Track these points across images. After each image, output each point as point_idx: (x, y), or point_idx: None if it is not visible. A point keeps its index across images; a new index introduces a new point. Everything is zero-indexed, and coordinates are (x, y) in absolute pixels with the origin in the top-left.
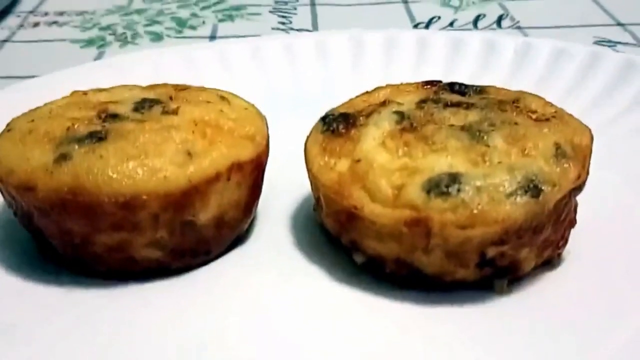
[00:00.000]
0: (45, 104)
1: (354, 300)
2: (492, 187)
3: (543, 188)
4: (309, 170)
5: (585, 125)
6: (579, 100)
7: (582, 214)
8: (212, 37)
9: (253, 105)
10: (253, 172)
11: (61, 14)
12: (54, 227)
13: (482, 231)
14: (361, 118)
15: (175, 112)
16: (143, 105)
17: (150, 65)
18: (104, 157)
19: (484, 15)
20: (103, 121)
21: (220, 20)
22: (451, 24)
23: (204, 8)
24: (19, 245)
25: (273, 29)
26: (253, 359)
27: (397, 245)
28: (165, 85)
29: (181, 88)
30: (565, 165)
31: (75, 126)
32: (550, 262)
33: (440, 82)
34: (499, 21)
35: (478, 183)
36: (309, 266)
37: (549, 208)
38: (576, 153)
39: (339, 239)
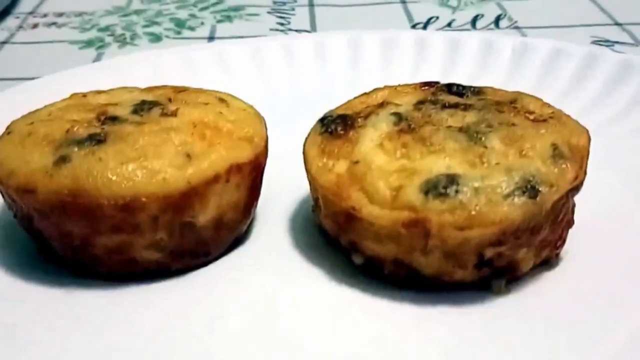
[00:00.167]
0: (45, 106)
1: (352, 300)
2: (490, 188)
3: (540, 189)
4: (307, 171)
5: (583, 126)
6: (576, 101)
7: (580, 214)
8: (211, 38)
9: (252, 107)
10: (252, 174)
11: (60, 15)
12: (53, 229)
13: (480, 232)
14: (359, 119)
15: (174, 114)
16: (142, 108)
17: (149, 67)
18: (103, 160)
19: (482, 16)
20: (102, 123)
21: (219, 21)
22: (449, 24)
23: (202, 9)
24: (19, 247)
25: (271, 29)
26: None
27: (396, 246)
28: (164, 87)
29: (180, 90)
30: (562, 166)
31: (75, 128)
32: (548, 262)
33: (438, 83)
34: (496, 21)
35: (476, 184)
36: (307, 267)
37: (546, 209)
38: (573, 154)
39: (338, 240)
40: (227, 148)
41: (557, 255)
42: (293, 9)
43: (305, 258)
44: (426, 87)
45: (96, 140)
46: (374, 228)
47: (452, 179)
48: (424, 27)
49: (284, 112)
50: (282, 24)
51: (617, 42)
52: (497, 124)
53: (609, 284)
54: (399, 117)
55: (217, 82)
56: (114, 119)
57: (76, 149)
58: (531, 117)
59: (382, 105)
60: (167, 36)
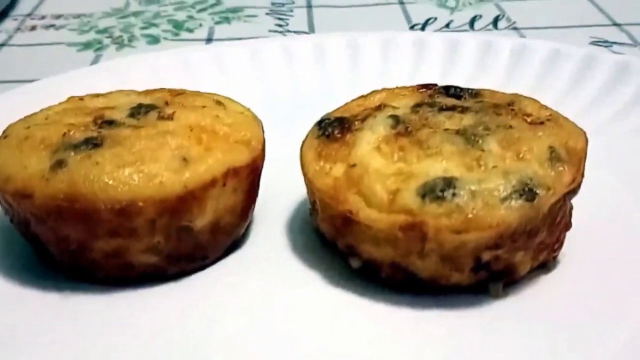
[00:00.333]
0: (42, 110)
1: (350, 304)
2: (487, 191)
3: (538, 192)
4: (304, 175)
5: (580, 129)
6: (575, 102)
7: (578, 217)
8: (209, 40)
9: (249, 110)
10: (249, 177)
11: (58, 17)
12: (50, 233)
13: (477, 236)
14: (356, 122)
15: (171, 117)
16: (139, 111)
17: (146, 69)
18: (100, 164)
19: (480, 16)
20: (99, 127)
21: (217, 23)
22: (447, 25)
23: (200, 10)
24: (16, 252)
25: (270, 31)
26: None
27: (393, 249)
28: (161, 90)
29: (177, 93)
30: (560, 169)
31: (72, 132)
32: (545, 265)
33: (435, 85)
34: (495, 22)
35: (473, 187)
36: (305, 270)
37: (543, 212)
38: (571, 156)
39: (335, 243)
40: (224, 152)
41: (555, 258)
42: (291, 11)
43: (303, 261)
44: (424, 90)
45: (93, 144)
46: (371, 231)
47: (449, 183)
48: (422, 28)
49: (282, 115)
50: (280, 26)
51: (615, 43)
52: (494, 126)
53: (607, 287)
54: (396, 120)
55: (214, 84)
56: (110, 123)
57: (73, 153)
58: (528, 119)
59: (379, 107)
60: (165, 38)
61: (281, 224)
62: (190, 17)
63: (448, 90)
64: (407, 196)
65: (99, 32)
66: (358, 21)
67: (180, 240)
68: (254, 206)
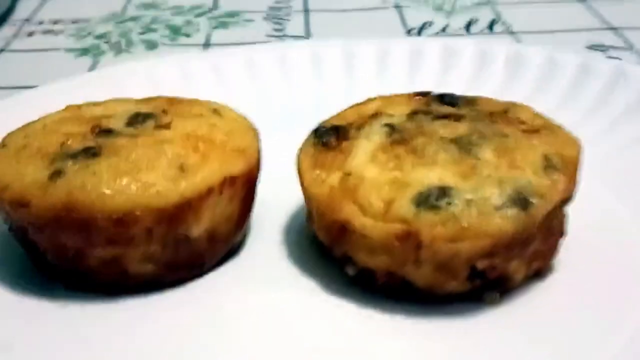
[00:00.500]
0: (39, 119)
1: (345, 311)
2: (482, 200)
3: (532, 201)
4: (300, 183)
5: (575, 137)
6: (570, 109)
7: (572, 224)
8: (207, 44)
9: (245, 118)
10: (245, 186)
11: (56, 22)
12: (48, 242)
13: (471, 244)
14: (352, 130)
15: (167, 126)
16: (136, 120)
17: (144, 76)
18: (97, 173)
19: (477, 20)
20: (97, 136)
21: (214, 28)
22: (444, 30)
23: (198, 15)
24: (14, 260)
25: (267, 36)
26: None
27: (388, 258)
28: (158, 98)
29: (174, 101)
30: (554, 177)
31: (69, 142)
32: (540, 272)
33: (430, 93)
34: (491, 26)
35: (467, 196)
36: (301, 278)
37: (538, 220)
38: (565, 165)
39: (331, 251)
40: (221, 160)
41: (550, 265)
42: (288, 15)
43: (299, 269)
44: (419, 97)
45: (90, 153)
46: (367, 240)
47: (443, 191)
48: (419, 33)
49: (278, 122)
50: (277, 30)
51: (611, 47)
52: (489, 134)
53: (601, 294)
54: (391, 128)
55: (211, 91)
56: (108, 132)
57: (70, 163)
58: (523, 127)
59: (375, 115)
60: (163, 43)
61: (277, 231)
62: (188, 22)
63: (443, 98)
64: (403, 205)
65: (97, 37)
66: (354, 25)
67: (177, 248)
68: (251, 214)
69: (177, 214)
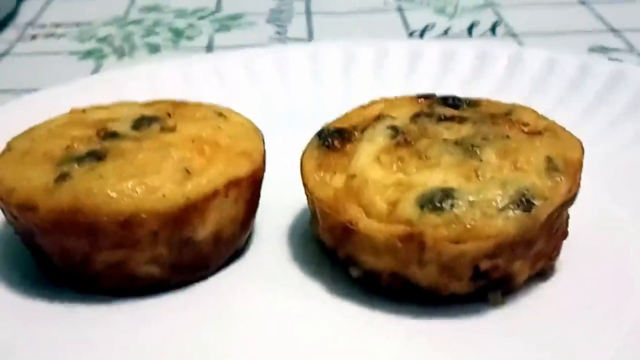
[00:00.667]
0: (45, 122)
1: (350, 313)
2: (485, 202)
3: (535, 202)
4: (304, 185)
5: (577, 139)
6: (570, 111)
7: (573, 225)
8: (209, 47)
9: (250, 121)
10: (250, 188)
11: (59, 25)
12: (54, 245)
13: (475, 246)
14: (356, 133)
15: (173, 129)
16: (141, 123)
17: (147, 80)
18: (103, 177)
19: (479, 23)
20: (102, 139)
21: (217, 30)
22: (445, 32)
23: (200, 18)
24: (20, 262)
25: (270, 38)
26: None
27: (392, 259)
28: (162, 101)
29: (178, 104)
30: (556, 179)
31: (75, 145)
32: (543, 273)
33: (434, 95)
34: (493, 28)
35: (471, 198)
36: (305, 279)
37: (540, 222)
38: (567, 166)
39: (335, 253)
40: (226, 163)
41: (552, 266)
42: (290, 17)
43: (303, 270)
44: (422, 99)
45: (96, 157)
46: (371, 242)
47: (447, 193)
48: (421, 35)
49: (281, 124)
50: (279, 33)
51: (612, 49)
52: (492, 136)
53: (603, 293)
54: (395, 130)
55: (214, 94)
56: (113, 135)
57: (76, 166)
58: (526, 129)
59: (378, 118)
60: (165, 46)
61: (282, 233)
62: (190, 25)
63: (446, 100)
64: (406, 207)
65: (100, 40)
66: (356, 28)
67: (183, 251)
68: (255, 216)
69: (182, 216)
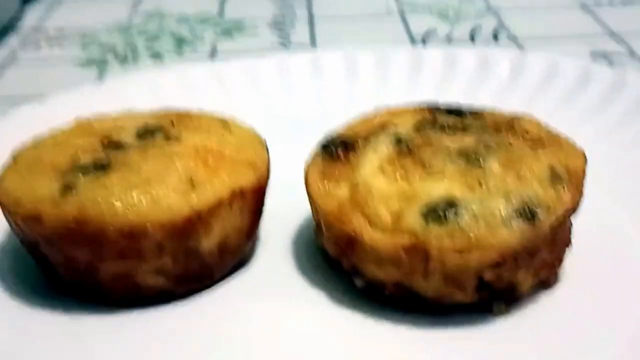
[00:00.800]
0: (50, 132)
1: (354, 322)
2: (489, 212)
3: (538, 212)
4: (309, 195)
5: (580, 148)
6: (572, 116)
7: (576, 234)
8: (212, 54)
9: (253, 130)
10: (254, 198)
11: (62, 32)
12: (59, 255)
13: (479, 256)
14: (360, 142)
15: (177, 139)
16: (146, 133)
17: (150, 88)
18: (108, 187)
19: (480, 28)
20: (107, 150)
21: (220, 37)
22: (447, 37)
23: (203, 24)
24: (26, 273)
25: (272, 44)
26: None
27: (397, 269)
28: (166, 111)
29: (182, 113)
30: (560, 189)
31: (80, 155)
32: (547, 282)
33: (437, 104)
34: (495, 34)
35: (474, 208)
36: (309, 289)
37: (544, 232)
38: (571, 176)
39: (340, 262)
40: (230, 173)
41: (556, 275)
42: (293, 23)
43: (308, 280)
44: (425, 108)
45: (101, 167)
46: (375, 252)
47: (451, 204)
48: (423, 40)
49: (284, 132)
50: (282, 38)
51: (614, 54)
52: (495, 146)
53: (607, 303)
54: (398, 139)
55: (217, 102)
56: (118, 145)
57: (81, 177)
58: (529, 138)
59: (382, 127)
60: (168, 52)
61: (286, 242)
62: (193, 31)
63: (449, 109)
64: (410, 217)
65: (103, 48)
66: (359, 33)
67: (188, 261)
68: (260, 225)
69: (187, 227)
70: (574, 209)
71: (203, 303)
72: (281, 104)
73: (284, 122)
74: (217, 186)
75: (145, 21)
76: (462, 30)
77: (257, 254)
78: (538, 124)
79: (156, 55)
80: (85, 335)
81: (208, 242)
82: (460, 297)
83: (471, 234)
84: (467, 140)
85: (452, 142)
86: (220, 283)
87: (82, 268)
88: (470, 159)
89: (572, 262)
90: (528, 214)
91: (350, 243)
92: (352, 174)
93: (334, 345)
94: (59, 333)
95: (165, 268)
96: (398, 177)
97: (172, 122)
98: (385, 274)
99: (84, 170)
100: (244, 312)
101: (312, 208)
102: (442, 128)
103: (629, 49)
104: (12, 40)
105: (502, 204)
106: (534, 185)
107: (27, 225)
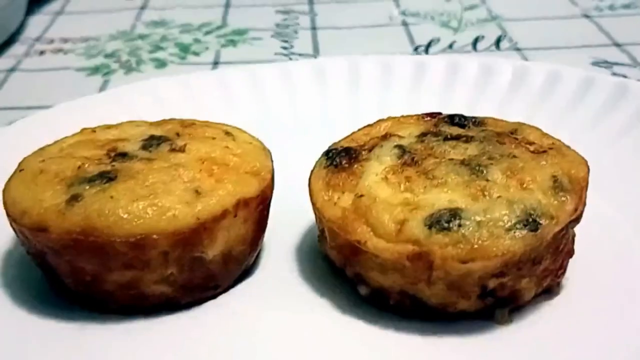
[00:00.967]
0: (55, 142)
1: (358, 330)
2: (492, 221)
3: (541, 222)
4: (313, 204)
5: (582, 157)
6: (574, 125)
7: (579, 242)
8: (215, 63)
9: (257, 140)
10: (259, 207)
11: (66, 41)
12: (66, 265)
13: (482, 264)
14: (363, 152)
15: (182, 149)
16: (151, 143)
17: (154, 97)
18: (114, 198)
19: (483, 37)
20: (112, 160)
21: (223, 46)
22: (450, 46)
23: (206, 33)
24: (32, 282)
25: (276, 54)
26: None
27: (401, 278)
28: (171, 120)
29: (187, 123)
30: (562, 198)
31: (86, 166)
32: (549, 290)
33: (440, 113)
34: (497, 42)
35: (478, 218)
36: (314, 297)
37: (547, 241)
38: (573, 185)
39: (344, 271)
40: (235, 183)
41: (559, 283)
42: (296, 32)
43: (312, 288)
44: (429, 118)
45: (107, 178)
46: (379, 260)
47: (454, 213)
48: (426, 49)
49: (288, 142)
50: (285, 48)
51: (616, 64)
52: (498, 156)
53: (609, 311)
54: (402, 149)
55: (221, 111)
56: (123, 156)
57: (87, 187)
58: (531, 148)
59: (385, 137)
60: (172, 61)
61: (290, 251)
62: (197, 40)
63: (452, 119)
64: (414, 226)
65: (107, 56)
66: (361, 42)
67: (193, 270)
68: (264, 235)
69: (192, 237)
70: (576, 218)
71: (208, 311)
72: (285, 112)
73: (288, 130)
74: (222, 196)
75: (150, 30)
76: (465, 39)
77: (262, 263)
78: (540, 133)
79: (160, 65)
80: (91, 344)
81: (213, 252)
82: (463, 305)
83: (475, 243)
84: (470, 150)
85: (455, 152)
86: (226, 292)
87: (88, 278)
88: (473, 168)
89: (575, 271)
90: (531, 223)
91: (355, 251)
92: (356, 183)
93: (338, 353)
94: (65, 342)
95: (171, 277)
96: (402, 186)
97: (177, 133)
98: (389, 281)
99: (90, 180)
100: (249, 320)
101: (316, 217)
102: (445, 138)
103: (631, 57)
104: (17, 49)
105: (505, 214)
106: (537, 195)
107: (33, 235)
